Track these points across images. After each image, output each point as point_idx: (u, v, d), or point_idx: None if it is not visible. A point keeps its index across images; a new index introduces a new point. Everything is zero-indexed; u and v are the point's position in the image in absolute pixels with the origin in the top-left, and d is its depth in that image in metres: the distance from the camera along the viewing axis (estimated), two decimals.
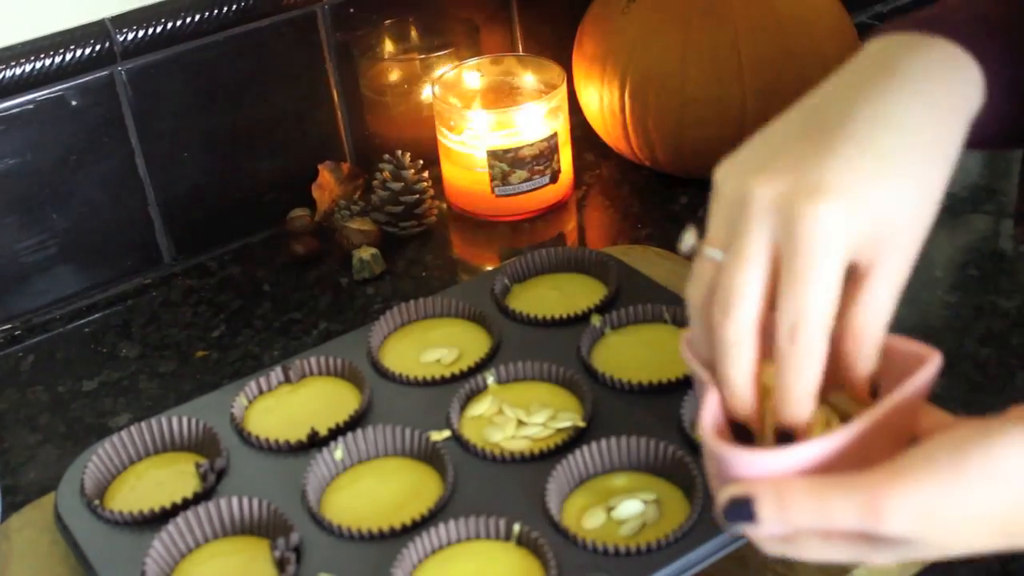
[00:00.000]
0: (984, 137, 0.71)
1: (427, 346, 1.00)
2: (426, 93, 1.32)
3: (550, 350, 0.97)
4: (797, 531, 0.61)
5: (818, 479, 0.60)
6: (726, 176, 0.65)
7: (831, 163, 0.62)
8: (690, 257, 0.66)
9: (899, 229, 0.63)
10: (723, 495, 0.61)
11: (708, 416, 0.63)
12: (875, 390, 0.65)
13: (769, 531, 0.61)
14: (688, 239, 0.66)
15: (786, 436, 0.64)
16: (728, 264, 0.63)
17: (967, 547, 0.61)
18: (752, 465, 0.61)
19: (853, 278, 0.63)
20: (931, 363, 0.63)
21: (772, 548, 0.63)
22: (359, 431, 0.90)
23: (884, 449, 0.61)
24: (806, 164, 0.62)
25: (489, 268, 1.20)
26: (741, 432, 0.65)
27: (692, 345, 0.67)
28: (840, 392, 0.66)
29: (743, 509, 0.61)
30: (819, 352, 0.62)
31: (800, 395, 0.62)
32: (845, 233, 0.61)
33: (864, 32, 1.31)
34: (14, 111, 1.12)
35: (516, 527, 0.81)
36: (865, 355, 0.64)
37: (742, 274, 0.62)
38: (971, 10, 0.71)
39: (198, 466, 0.89)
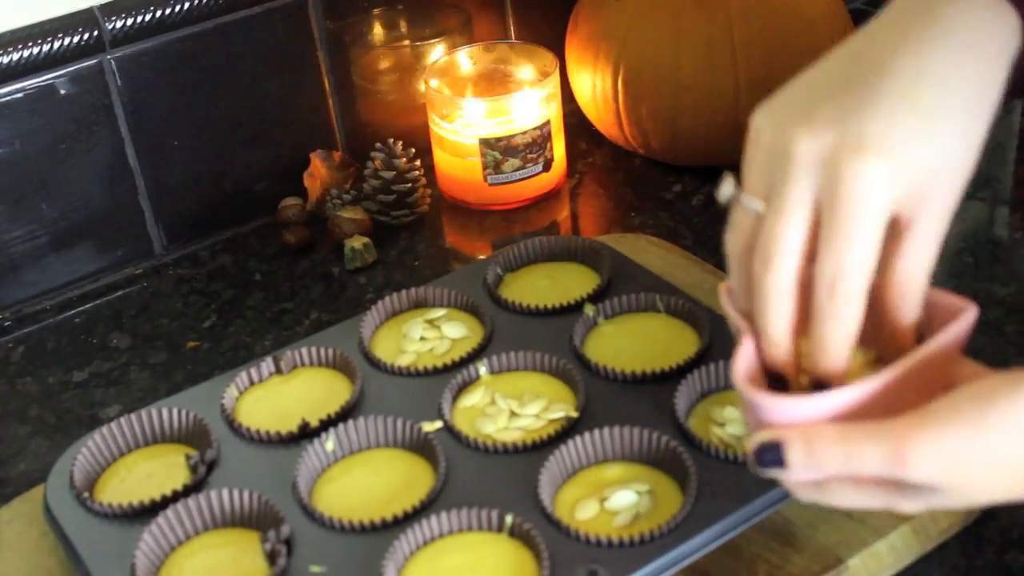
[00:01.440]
0: (1020, 84, 0.70)
1: (419, 335, 1.00)
2: (418, 81, 1.31)
3: (543, 340, 0.97)
4: (828, 477, 0.62)
5: (846, 426, 0.61)
6: (765, 122, 0.65)
7: (876, 118, 0.62)
8: (727, 206, 0.66)
9: (941, 182, 0.63)
10: (753, 440, 0.63)
11: (742, 364, 0.64)
12: (920, 341, 0.66)
13: (798, 476, 0.63)
14: (727, 188, 0.66)
15: (820, 386, 0.65)
16: (770, 216, 0.63)
17: (991, 495, 0.62)
18: (783, 411, 0.62)
19: (895, 230, 0.64)
20: (967, 315, 0.64)
21: (805, 494, 0.65)
22: (350, 422, 0.89)
23: (917, 399, 0.62)
24: (850, 118, 0.62)
25: (481, 257, 1.20)
26: (775, 382, 0.66)
27: (731, 293, 0.67)
28: (881, 343, 0.67)
29: (773, 454, 0.62)
30: (857, 307, 0.62)
31: (836, 347, 0.63)
32: (888, 188, 0.61)
33: (858, 19, 1.31)
34: (3, 100, 1.11)
35: (508, 518, 0.81)
36: (909, 305, 0.65)
37: (784, 227, 0.62)
38: None
39: (188, 458, 0.89)
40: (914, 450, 0.59)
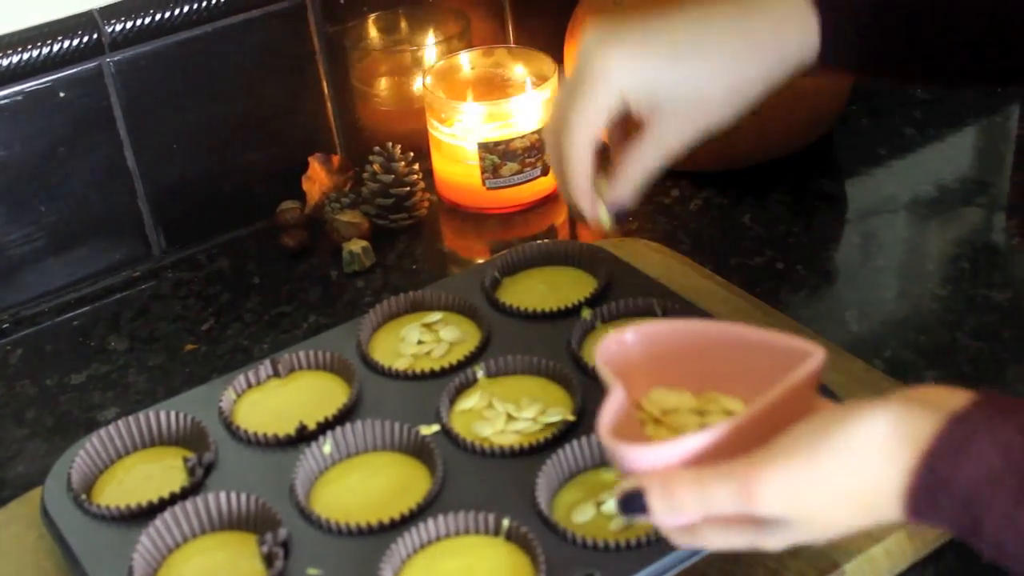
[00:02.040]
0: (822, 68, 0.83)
1: (416, 339, 1.00)
2: (417, 85, 1.31)
3: (540, 344, 0.97)
4: (693, 520, 0.66)
5: (700, 469, 0.65)
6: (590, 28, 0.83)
7: (639, 37, 0.80)
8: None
9: (672, 101, 0.80)
10: (617, 489, 0.67)
11: (607, 416, 0.68)
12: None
13: (663, 521, 0.66)
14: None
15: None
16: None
17: (838, 525, 0.65)
18: (642, 459, 0.66)
19: (632, 126, 0.82)
20: (812, 358, 0.68)
21: (679, 540, 0.68)
22: (348, 425, 0.89)
23: (773, 439, 0.65)
24: (625, 32, 0.81)
25: (480, 261, 1.20)
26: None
27: (604, 351, 0.73)
28: (738, 399, 0.73)
29: (637, 501, 0.66)
30: (582, 144, 0.81)
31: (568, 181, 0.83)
32: (617, 78, 0.79)
33: None
34: (2, 103, 1.11)
35: (505, 522, 0.81)
36: (622, 184, 0.83)
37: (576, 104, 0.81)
38: None
39: (186, 460, 0.89)
40: (759, 486, 0.63)
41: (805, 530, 0.65)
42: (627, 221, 0.88)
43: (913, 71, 0.86)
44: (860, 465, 0.62)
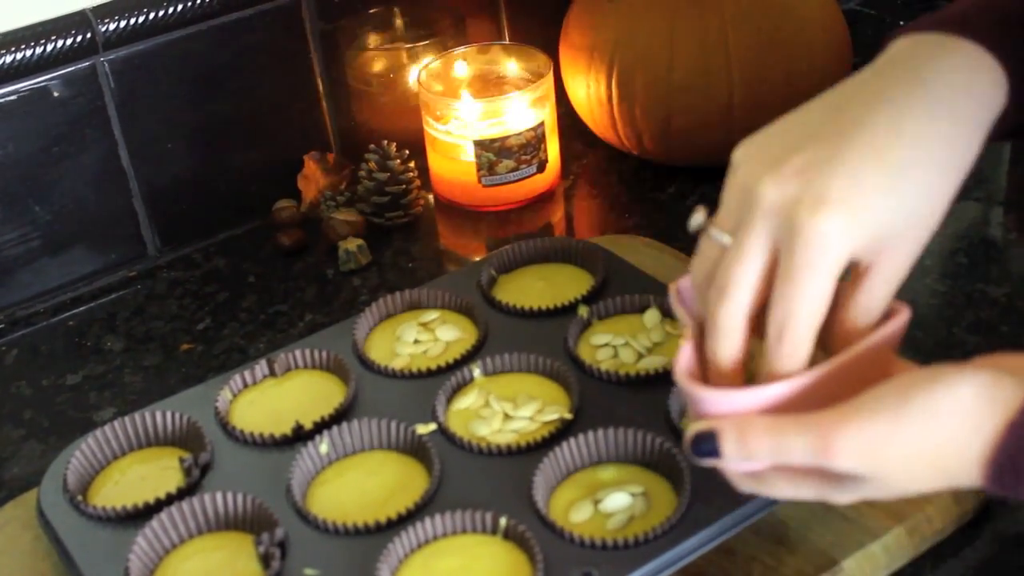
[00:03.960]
0: (1003, 131, 0.71)
1: (412, 338, 0.99)
2: (412, 83, 1.31)
3: (537, 342, 0.97)
4: (763, 468, 0.66)
5: (777, 417, 0.65)
6: (741, 161, 0.68)
7: (839, 173, 0.64)
8: (697, 235, 0.70)
9: (901, 234, 0.66)
10: (690, 430, 0.67)
11: (684, 359, 0.69)
12: None
13: (733, 466, 0.67)
14: (697, 218, 0.70)
15: None
16: (730, 253, 0.67)
17: (913, 485, 0.65)
18: (719, 403, 0.66)
19: (856, 272, 0.68)
20: (899, 316, 0.68)
21: (744, 485, 0.69)
22: (344, 425, 0.89)
23: (850, 394, 0.65)
24: (816, 170, 0.65)
25: (476, 259, 1.19)
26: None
27: (681, 293, 0.72)
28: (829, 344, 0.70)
29: (709, 444, 0.66)
30: (803, 350, 0.66)
31: (783, 376, 0.67)
32: (842, 244, 0.64)
33: (852, 20, 1.31)
34: None
35: (503, 521, 0.81)
36: (857, 333, 0.68)
37: (741, 266, 0.66)
38: (995, 9, 0.71)
39: (182, 461, 0.89)
40: (838, 440, 0.63)
41: (879, 488, 0.65)
42: None
43: None
44: (943, 430, 0.62)
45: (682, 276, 0.72)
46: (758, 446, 0.65)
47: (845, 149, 0.65)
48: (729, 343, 0.68)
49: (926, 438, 0.63)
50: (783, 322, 0.65)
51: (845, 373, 0.66)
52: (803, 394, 0.66)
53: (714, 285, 0.68)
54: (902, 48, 0.70)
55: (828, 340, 0.69)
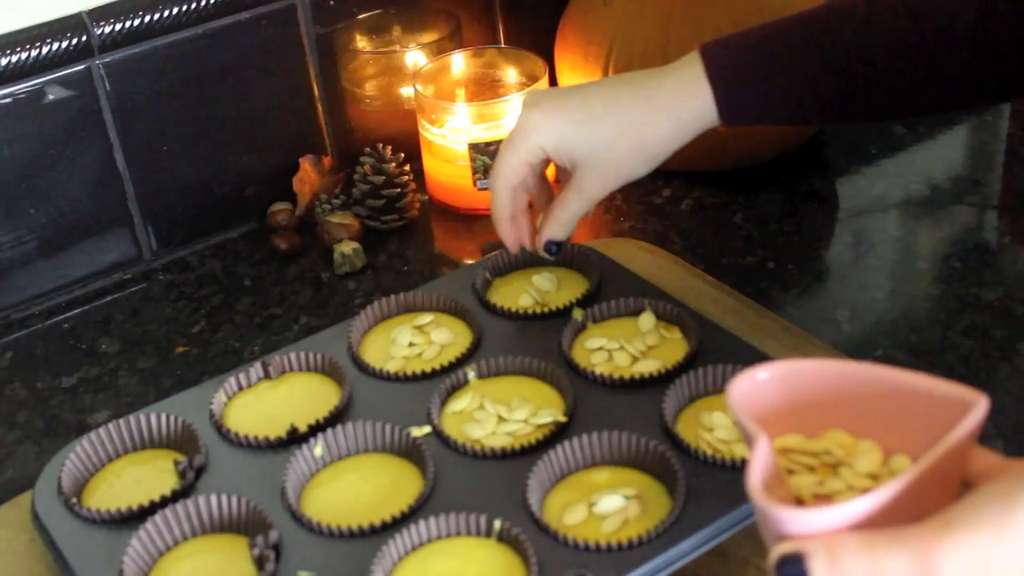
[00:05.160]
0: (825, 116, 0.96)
1: (407, 341, 1.00)
2: (407, 86, 1.31)
3: (531, 345, 0.97)
4: None
5: (869, 533, 0.61)
6: (526, 97, 0.98)
7: (560, 96, 0.96)
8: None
9: (588, 158, 0.94)
10: (775, 552, 0.62)
11: (757, 472, 0.63)
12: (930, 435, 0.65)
13: None
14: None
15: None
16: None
17: None
18: (803, 523, 0.61)
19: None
20: (978, 408, 0.63)
21: None
22: (339, 427, 0.89)
23: (936, 498, 0.62)
24: (555, 95, 0.97)
25: (470, 262, 1.20)
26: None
27: (740, 398, 0.66)
28: (898, 455, 0.66)
29: (796, 567, 0.61)
30: (500, 206, 0.99)
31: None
32: (538, 132, 0.95)
33: None
34: None
35: (497, 523, 0.81)
36: (552, 222, 0.98)
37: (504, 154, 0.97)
38: (745, 42, 0.95)
39: (177, 463, 0.89)
40: (940, 557, 0.59)
41: None
42: (557, 253, 1.00)
43: (814, 117, 0.96)
44: None
45: (737, 376, 0.67)
46: (852, 566, 0.60)
47: (576, 93, 0.96)
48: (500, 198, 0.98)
49: None
50: (497, 169, 0.97)
51: (930, 476, 0.62)
52: (892, 505, 0.61)
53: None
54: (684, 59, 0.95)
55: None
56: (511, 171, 0.97)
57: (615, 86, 0.96)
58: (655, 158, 0.95)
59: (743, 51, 0.94)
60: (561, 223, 0.98)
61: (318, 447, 0.88)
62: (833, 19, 0.93)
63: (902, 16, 0.91)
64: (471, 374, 0.94)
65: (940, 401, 0.65)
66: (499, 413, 0.90)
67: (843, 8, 0.93)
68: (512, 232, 1.00)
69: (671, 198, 1.26)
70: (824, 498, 0.65)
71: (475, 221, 1.26)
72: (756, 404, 0.66)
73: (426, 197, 1.29)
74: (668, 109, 0.94)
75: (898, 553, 0.60)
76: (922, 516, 0.60)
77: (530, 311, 1.00)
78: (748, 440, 0.64)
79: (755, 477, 0.62)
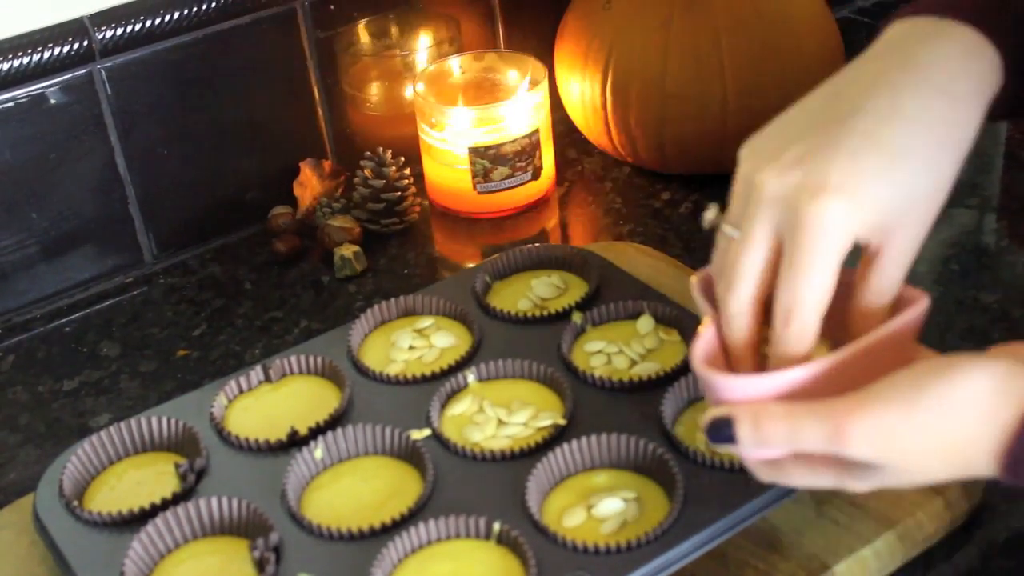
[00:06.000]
0: (997, 111, 0.73)
1: (407, 344, 1.00)
2: (407, 90, 1.31)
3: (531, 348, 0.97)
4: (781, 456, 0.66)
5: (793, 404, 0.65)
6: (746, 156, 0.70)
7: (837, 159, 0.66)
8: (712, 232, 0.72)
9: (906, 214, 0.67)
10: (707, 416, 0.67)
11: (701, 346, 0.69)
12: None
13: (749, 453, 0.67)
14: (709, 215, 0.72)
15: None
16: (735, 244, 0.69)
17: (928, 475, 0.65)
18: (736, 389, 0.67)
19: (866, 256, 0.69)
20: (918, 304, 0.68)
21: (763, 474, 0.69)
22: (339, 430, 0.89)
23: (867, 382, 0.65)
24: (814, 158, 0.66)
25: (471, 265, 1.20)
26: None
27: (702, 283, 0.73)
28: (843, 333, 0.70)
29: (725, 430, 0.66)
30: (809, 333, 0.67)
31: (790, 362, 0.68)
32: (843, 228, 0.65)
33: (846, 27, 1.31)
34: None
35: (496, 526, 0.81)
36: (872, 317, 0.69)
37: (745, 256, 0.68)
38: None
39: (178, 466, 0.89)
40: (852, 428, 0.63)
41: (894, 477, 0.65)
42: None
43: None
44: (958, 419, 0.63)
45: (705, 268, 0.73)
46: (773, 432, 0.65)
47: (843, 135, 0.66)
48: (737, 327, 0.69)
49: (941, 427, 0.63)
50: (789, 307, 0.66)
51: (864, 361, 0.66)
52: (821, 381, 0.66)
53: (722, 275, 0.70)
54: (898, 32, 0.71)
55: (846, 329, 0.69)
56: (819, 303, 0.67)
57: (893, 96, 0.67)
58: (964, 157, 0.70)
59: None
60: (881, 314, 0.70)
61: (318, 450, 0.89)
62: None
63: None
64: (471, 377, 0.94)
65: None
66: (499, 416, 0.91)
67: None
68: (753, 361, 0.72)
69: (670, 201, 1.26)
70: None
71: (475, 225, 1.26)
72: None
73: (426, 201, 1.29)
74: (968, 97, 0.69)
75: (815, 421, 0.64)
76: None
77: (530, 314, 1.01)
78: (701, 319, 0.71)
79: (699, 349, 0.69)
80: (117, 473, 0.91)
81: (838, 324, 0.70)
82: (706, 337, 0.70)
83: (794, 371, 0.66)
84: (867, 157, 0.65)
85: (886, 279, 0.69)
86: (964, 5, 0.71)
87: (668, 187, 1.28)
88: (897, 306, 0.69)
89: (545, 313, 1.01)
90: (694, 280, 0.74)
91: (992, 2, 0.71)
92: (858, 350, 0.66)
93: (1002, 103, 0.72)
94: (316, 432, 0.91)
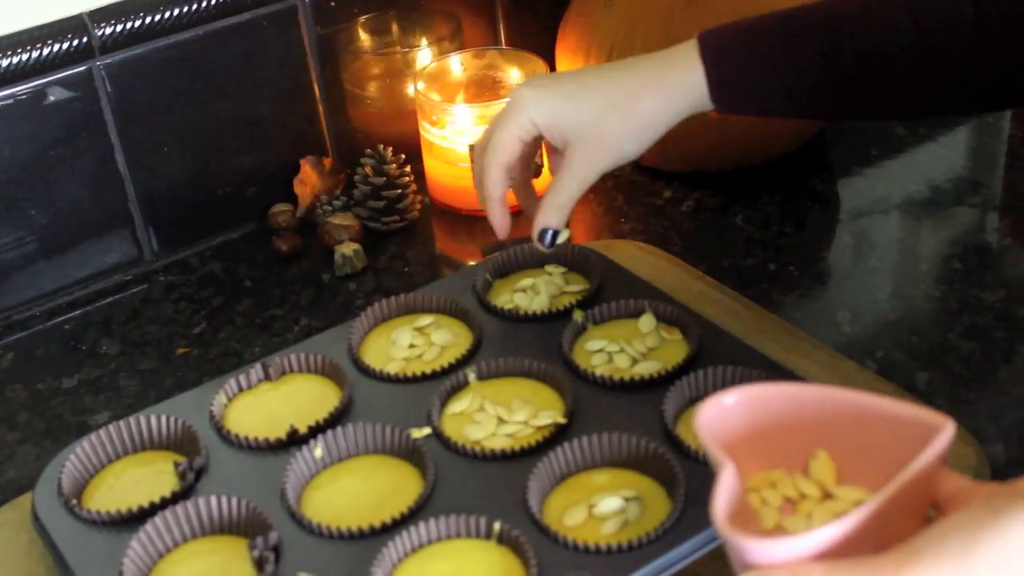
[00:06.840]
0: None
1: (408, 342, 1.00)
2: (408, 88, 1.31)
3: (532, 346, 0.97)
4: None
5: (833, 563, 0.60)
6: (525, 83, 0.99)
7: (553, 76, 0.98)
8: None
9: (579, 138, 0.93)
10: None
11: (722, 501, 0.63)
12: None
13: None
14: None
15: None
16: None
17: None
18: (768, 553, 0.61)
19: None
20: (944, 433, 0.63)
21: None
22: (339, 429, 0.89)
23: (902, 523, 0.62)
24: (546, 79, 0.98)
25: (471, 263, 1.20)
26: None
27: (710, 423, 0.67)
28: (856, 486, 0.67)
29: None
30: (491, 185, 0.97)
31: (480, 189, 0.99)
32: (529, 109, 0.94)
33: None
34: None
35: (497, 525, 0.81)
36: (546, 207, 0.96)
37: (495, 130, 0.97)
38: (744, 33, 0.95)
39: (177, 465, 0.89)
40: None
41: None
42: (553, 244, 0.97)
43: (805, 109, 0.96)
44: (1011, 570, 0.59)
45: (704, 403, 0.68)
46: None
47: (569, 73, 0.99)
48: (490, 179, 0.97)
49: None
50: (488, 144, 0.96)
51: (896, 503, 0.62)
52: (857, 532, 0.61)
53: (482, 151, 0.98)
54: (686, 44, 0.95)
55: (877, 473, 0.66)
56: (502, 147, 0.95)
57: (610, 65, 0.96)
58: (644, 133, 0.94)
59: (738, 34, 0.94)
60: (556, 207, 0.96)
61: (318, 448, 0.88)
62: (831, 9, 0.92)
63: (900, 9, 0.90)
64: (471, 375, 0.94)
65: (907, 425, 0.65)
66: (499, 415, 0.90)
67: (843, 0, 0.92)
68: (504, 216, 0.99)
69: (672, 199, 1.26)
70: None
71: (476, 222, 1.26)
72: (724, 429, 0.67)
73: (427, 198, 1.29)
74: (657, 82, 0.93)
75: None
76: (888, 542, 0.61)
77: (530, 312, 1.00)
78: (715, 467, 0.65)
79: (720, 506, 0.62)
80: (116, 472, 0.91)
81: (869, 460, 0.66)
82: (726, 489, 0.63)
83: (829, 528, 0.61)
84: (566, 82, 0.96)
85: (565, 177, 0.94)
86: (718, 36, 0.94)
87: (669, 185, 1.28)
88: (922, 434, 0.64)
89: (546, 311, 1.00)
90: (701, 419, 0.67)
91: (729, 38, 0.94)
92: (890, 496, 0.61)
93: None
94: (316, 431, 0.91)
